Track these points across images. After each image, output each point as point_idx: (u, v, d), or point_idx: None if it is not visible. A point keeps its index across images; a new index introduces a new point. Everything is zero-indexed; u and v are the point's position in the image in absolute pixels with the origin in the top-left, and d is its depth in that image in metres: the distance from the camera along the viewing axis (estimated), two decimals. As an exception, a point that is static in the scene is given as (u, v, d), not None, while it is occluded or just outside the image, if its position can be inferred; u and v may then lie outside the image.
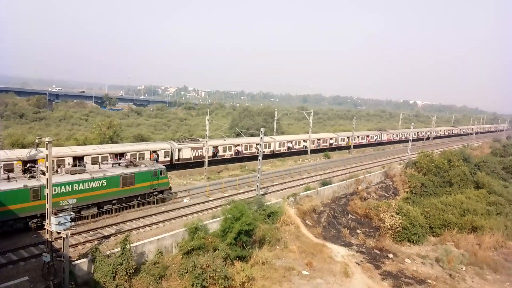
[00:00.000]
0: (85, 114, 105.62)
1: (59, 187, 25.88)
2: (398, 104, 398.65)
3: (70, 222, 19.52)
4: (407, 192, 50.99)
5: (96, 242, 24.51)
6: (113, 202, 30.20)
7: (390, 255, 31.70)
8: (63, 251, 19.29)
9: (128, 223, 28.91)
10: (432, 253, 33.17)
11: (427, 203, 43.31)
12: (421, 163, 56.34)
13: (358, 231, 37.26)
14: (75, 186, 27.14)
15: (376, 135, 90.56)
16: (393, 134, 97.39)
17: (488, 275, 29.96)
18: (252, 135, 62.18)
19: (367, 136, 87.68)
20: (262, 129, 36.55)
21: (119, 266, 20.52)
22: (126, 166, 32.22)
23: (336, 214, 39.27)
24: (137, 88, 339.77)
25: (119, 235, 25.74)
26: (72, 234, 24.43)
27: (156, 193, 33.80)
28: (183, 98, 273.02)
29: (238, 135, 63.60)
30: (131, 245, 22.05)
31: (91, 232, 26.27)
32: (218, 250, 23.63)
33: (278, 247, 28.88)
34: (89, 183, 28.00)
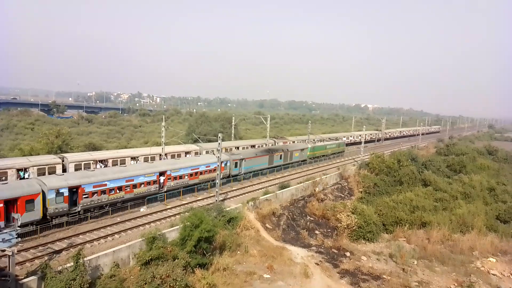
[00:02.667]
0: (30, 123, 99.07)
1: None
2: (351, 108, 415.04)
3: (16, 238, 18.21)
4: (361, 192, 53.10)
5: (46, 258, 23.04)
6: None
7: (347, 254, 32.73)
8: (9, 269, 17.94)
9: (81, 236, 27.49)
10: (386, 250, 34.68)
11: (380, 202, 45.34)
12: (373, 164, 58.99)
13: (317, 232, 38.12)
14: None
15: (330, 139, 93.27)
16: (350, 137, 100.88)
17: (436, 267, 31.82)
18: (210, 141, 61.74)
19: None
20: (220, 135, 36.43)
21: (72, 282, 19.41)
22: None
23: (295, 217, 39.92)
24: (88, 95, 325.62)
25: (71, 249, 24.41)
26: (19, 251, 22.81)
27: None
28: (137, 104, 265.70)
29: (195, 141, 62.83)
30: (85, 259, 20.98)
31: (40, 248, 24.66)
32: (178, 259, 23.09)
33: (239, 252, 28.80)
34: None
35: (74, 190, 29.06)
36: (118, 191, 32.47)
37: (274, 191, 42.48)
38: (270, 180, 51.48)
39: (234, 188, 45.46)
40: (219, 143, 35.81)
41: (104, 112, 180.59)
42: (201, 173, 42.17)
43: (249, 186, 47.24)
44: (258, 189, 45.33)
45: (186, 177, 40.25)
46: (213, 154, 48.85)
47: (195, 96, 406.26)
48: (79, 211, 29.55)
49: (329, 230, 38.79)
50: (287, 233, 36.29)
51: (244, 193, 43.36)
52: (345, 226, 37.42)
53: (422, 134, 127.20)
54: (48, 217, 27.32)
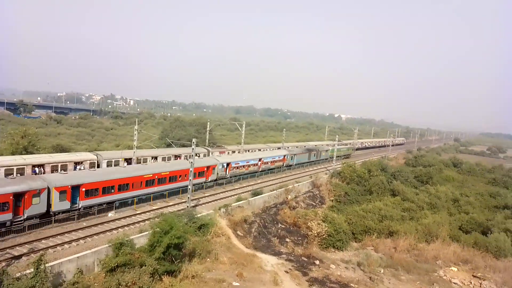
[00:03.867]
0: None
1: None
2: (325, 117, 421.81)
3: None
4: (332, 200, 53.93)
5: (3, 263, 21.97)
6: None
7: (317, 262, 33.04)
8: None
9: (43, 241, 26.44)
10: (355, 258, 35.27)
11: (350, 211, 46.19)
12: (345, 173, 60.12)
13: (288, 239, 38.30)
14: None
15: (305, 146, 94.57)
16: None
17: (402, 276, 32.64)
18: (183, 146, 61.05)
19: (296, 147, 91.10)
20: (194, 140, 36.14)
21: (31, 289, 18.57)
22: None
23: (266, 224, 39.99)
24: (58, 95, 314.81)
25: (32, 255, 23.39)
26: (-26, 257, 21.67)
27: None
28: (110, 106, 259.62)
29: (168, 145, 61.99)
30: (46, 265, 20.12)
31: (-2, 253, 23.52)
32: (145, 265, 22.57)
33: (208, 259, 28.49)
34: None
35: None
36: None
37: (247, 198, 42.47)
38: (244, 186, 51.44)
39: (206, 194, 45.11)
40: (193, 148, 35.48)
41: (75, 113, 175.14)
42: (275, 161, 64.84)
43: (221, 192, 47.02)
44: (231, 196, 45.18)
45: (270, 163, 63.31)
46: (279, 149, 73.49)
47: (170, 100, 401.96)
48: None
49: (300, 238, 39.07)
50: (258, 240, 36.26)
51: (216, 200, 43.09)
52: (316, 234, 37.84)
53: (388, 145, 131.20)
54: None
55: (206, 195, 44.89)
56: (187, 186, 37.72)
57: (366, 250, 37.44)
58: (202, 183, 46.96)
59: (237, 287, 25.15)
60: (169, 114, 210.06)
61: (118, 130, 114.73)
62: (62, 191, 29.91)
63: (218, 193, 46.32)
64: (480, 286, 31.76)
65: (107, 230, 29.92)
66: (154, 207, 37.59)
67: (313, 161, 79.45)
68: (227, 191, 48.05)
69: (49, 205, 29.09)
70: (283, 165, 67.02)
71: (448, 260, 36.78)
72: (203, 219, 32.31)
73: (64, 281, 21.46)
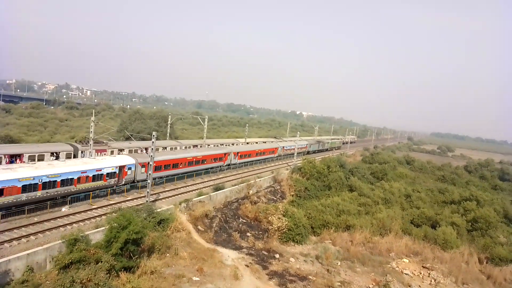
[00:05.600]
0: None
1: None
2: (287, 114, 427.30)
3: None
4: (292, 195, 54.82)
5: None
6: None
7: (277, 256, 33.54)
8: None
9: (-12, 237, 24.76)
10: (313, 251, 36.19)
11: (309, 205, 47.24)
12: (305, 168, 61.32)
13: (248, 234, 38.52)
14: None
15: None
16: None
17: (358, 268, 33.95)
18: (143, 139, 59.45)
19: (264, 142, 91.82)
20: (154, 133, 35.22)
21: (-26, 289, 17.36)
22: None
23: (228, 219, 39.96)
24: (7, 82, 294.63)
25: (-25, 253, 21.85)
26: None
27: None
28: (64, 96, 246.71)
29: (127, 138, 60.11)
30: (-8, 263, 18.89)
31: None
32: (101, 262, 21.80)
33: (168, 254, 28.02)
34: None
35: None
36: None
37: (208, 193, 42.16)
38: (205, 181, 51.03)
39: (167, 189, 44.26)
40: (153, 142, 34.59)
41: (25, 102, 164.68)
42: (301, 148, 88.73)
43: (182, 187, 46.33)
44: (192, 190, 44.65)
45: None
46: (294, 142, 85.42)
47: (130, 91, 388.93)
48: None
49: (261, 232, 39.43)
50: (219, 235, 36.18)
51: (177, 194, 42.41)
52: (276, 229, 38.34)
53: (346, 143, 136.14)
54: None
55: (166, 189, 44.04)
56: (215, 167, 57.23)
57: (324, 243, 38.50)
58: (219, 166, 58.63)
59: (197, 282, 24.97)
60: (128, 106, 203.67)
61: (73, 121, 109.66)
62: (142, 165, 41.14)
63: (179, 188, 45.61)
64: (429, 276, 33.74)
65: (60, 226, 28.57)
66: (112, 202, 36.35)
67: (321, 150, 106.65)
68: (187, 185, 47.44)
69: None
70: (307, 151, 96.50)
71: (400, 252, 38.70)
72: (162, 214, 31.71)
73: (12, 280, 20.27)
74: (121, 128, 76.92)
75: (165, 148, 58.67)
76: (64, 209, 32.53)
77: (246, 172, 62.67)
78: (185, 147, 63.08)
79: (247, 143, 79.23)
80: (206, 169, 54.90)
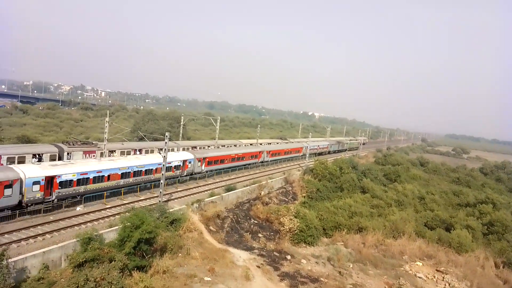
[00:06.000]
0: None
1: None
2: (298, 115, 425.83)
3: None
4: (304, 196, 54.60)
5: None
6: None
7: (288, 257, 33.47)
8: None
9: (6, 235, 25.35)
10: (325, 253, 35.99)
11: (321, 207, 46.99)
12: (317, 170, 61.03)
13: (260, 235, 38.54)
14: None
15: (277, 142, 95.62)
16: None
17: (370, 270, 33.64)
18: (156, 140, 60.03)
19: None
20: (167, 134, 35.56)
21: (-8, 286, 17.81)
22: None
23: (239, 219, 40.05)
24: (24, 84, 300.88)
25: (-6, 250, 22.36)
26: None
27: None
28: (79, 97, 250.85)
29: (141, 139, 60.82)
30: (9, 260, 19.32)
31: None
32: (115, 261, 22.10)
33: (180, 254, 28.25)
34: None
35: None
36: None
37: (220, 193, 42.35)
38: (217, 182, 51.25)
39: (179, 189, 44.63)
40: (165, 142, 34.92)
41: (42, 103, 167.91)
42: (323, 148, 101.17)
43: (194, 187, 46.64)
44: (204, 191, 44.92)
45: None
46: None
47: (143, 92, 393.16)
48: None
49: (272, 233, 39.40)
50: (230, 235, 36.29)
51: (189, 195, 42.73)
52: (288, 230, 38.24)
53: (363, 143, 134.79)
54: None
55: (178, 189, 44.40)
56: (251, 163, 65.61)
57: (336, 245, 38.26)
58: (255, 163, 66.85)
59: (208, 282, 25.09)
60: (141, 107, 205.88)
61: (87, 122, 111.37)
62: (199, 160, 49.78)
63: (191, 188, 45.94)
64: (443, 280, 33.20)
65: (75, 225, 29.10)
66: (125, 202, 36.84)
67: (340, 150, 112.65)
68: (199, 186, 47.74)
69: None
70: (328, 151, 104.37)
71: (414, 255, 38.20)
72: (175, 214, 31.96)
73: (29, 277, 20.71)
74: (134, 128, 77.86)
75: (202, 147, 64.81)
76: (79, 208, 33.10)
77: (257, 173, 62.67)
78: (218, 146, 67.89)
79: (260, 143, 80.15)
80: (245, 165, 63.31)
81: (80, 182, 33.48)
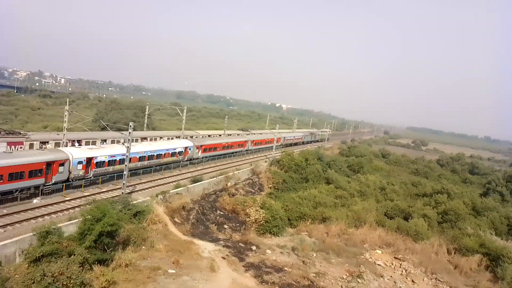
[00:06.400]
0: None
1: None
2: (266, 106, 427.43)
3: None
4: (270, 187, 55.25)
5: None
6: None
7: (254, 248, 33.80)
8: None
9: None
10: (290, 243, 36.63)
11: (287, 198, 47.68)
12: (284, 161, 61.78)
13: (226, 226, 38.62)
14: None
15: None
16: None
17: (332, 259, 34.64)
18: (120, 130, 58.26)
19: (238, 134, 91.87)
20: (131, 124, 34.56)
21: None
22: None
23: (205, 211, 39.90)
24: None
25: None
26: None
27: None
28: (37, 84, 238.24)
29: (103, 128, 58.80)
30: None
31: None
32: (74, 255, 21.38)
33: (144, 247, 27.76)
34: None
35: None
36: None
37: (186, 185, 41.89)
38: (183, 173, 50.64)
39: (143, 181, 43.72)
40: (129, 132, 33.98)
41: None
42: (297, 139, 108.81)
43: (159, 179, 45.86)
44: (169, 182, 44.27)
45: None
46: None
47: (106, 80, 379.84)
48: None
49: (238, 225, 39.59)
50: (196, 227, 36.10)
51: (154, 186, 41.98)
52: (253, 221, 38.55)
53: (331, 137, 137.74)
54: None
55: (142, 181, 43.50)
56: (238, 151, 72.07)
57: (300, 235, 39.03)
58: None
59: (173, 274, 24.89)
60: (104, 95, 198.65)
61: (46, 110, 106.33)
62: (197, 147, 56.62)
63: (156, 180, 45.13)
64: (400, 267, 34.82)
65: (31, 218, 27.85)
66: (86, 194, 35.62)
67: (313, 141, 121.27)
68: (165, 177, 46.99)
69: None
70: (302, 142, 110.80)
71: (374, 243, 39.69)
72: (139, 206, 31.30)
73: (-22, 274, 19.60)
74: (96, 118, 75.07)
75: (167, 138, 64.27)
76: (36, 201, 31.69)
77: (224, 164, 62.54)
78: (202, 136, 70.81)
79: (220, 135, 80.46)
80: (233, 152, 69.74)
81: (110, 163, 40.06)
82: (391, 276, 32.83)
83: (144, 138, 60.36)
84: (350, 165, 75.23)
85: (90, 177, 38.10)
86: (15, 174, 29.82)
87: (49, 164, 33.12)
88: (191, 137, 65.25)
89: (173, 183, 43.51)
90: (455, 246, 40.61)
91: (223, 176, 48.66)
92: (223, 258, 29.69)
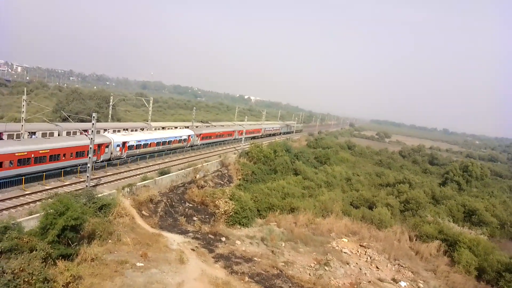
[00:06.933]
0: None
1: None
2: (235, 98, 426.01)
3: None
4: (240, 179, 55.31)
5: None
6: None
7: (223, 239, 33.84)
8: None
9: None
10: (259, 234, 36.99)
11: (256, 189, 48.01)
12: (252, 153, 62.02)
13: (195, 218, 38.35)
14: None
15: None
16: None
17: (300, 248, 35.37)
18: (82, 121, 56.11)
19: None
20: (94, 115, 33.31)
21: None
22: None
23: (173, 203, 39.38)
24: None
25: None
26: None
27: None
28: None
29: (64, 120, 56.35)
30: None
31: None
32: (36, 250, 20.45)
33: (110, 241, 27.03)
34: None
35: None
36: None
37: (153, 177, 41.09)
38: (150, 165, 49.61)
39: (108, 173, 42.42)
40: (92, 124, 32.75)
41: None
42: (274, 130, 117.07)
43: (125, 171, 44.68)
44: (135, 175, 43.24)
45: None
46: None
47: (67, 69, 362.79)
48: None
49: (207, 216, 39.42)
50: (164, 220, 35.60)
51: (120, 179, 40.84)
52: (223, 212, 38.52)
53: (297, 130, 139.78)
54: None
55: (108, 173, 42.21)
56: (228, 140, 79.62)
57: (269, 225, 39.47)
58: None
59: (141, 267, 24.46)
60: (65, 85, 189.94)
61: (1, 99, 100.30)
62: (197, 136, 65.25)
63: (122, 172, 43.93)
64: (365, 254, 36.14)
65: (-13, 213, 26.28)
66: (47, 187, 34.10)
67: (288, 132, 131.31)
68: (131, 170, 45.83)
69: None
70: (279, 133, 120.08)
71: (340, 232, 40.89)
72: (104, 199, 30.34)
73: None
74: (57, 108, 71.84)
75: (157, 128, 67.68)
76: (-8, 195, 29.94)
77: (193, 156, 61.87)
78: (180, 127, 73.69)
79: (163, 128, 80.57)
80: (223, 141, 77.48)
81: (137, 146, 48.93)
82: (356, 263, 34.01)
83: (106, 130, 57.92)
84: (317, 156, 76.73)
85: (124, 157, 46.76)
86: (79, 152, 38.48)
87: (99, 146, 41.57)
88: (162, 128, 68.60)
89: (140, 175, 42.57)
90: (416, 233, 42.64)
91: (191, 168, 48.13)
92: (192, 250, 29.52)
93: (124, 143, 46.13)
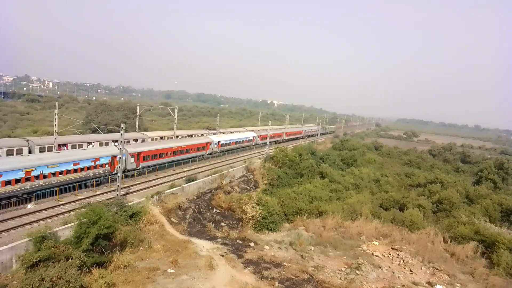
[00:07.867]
0: None
1: None
2: (257, 103, 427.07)
3: None
4: (265, 184, 55.19)
5: None
6: None
7: (252, 244, 33.79)
8: None
9: None
10: (287, 238, 36.68)
11: (282, 193, 47.71)
12: (277, 157, 61.84)
13: (223, 224, 38.55)
14: None
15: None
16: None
17: (330, 252, 34.81)
18: (111, 132, 57.78)
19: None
20: (122, 125, 34.28)
21: None
22: None
23: (201, 210, 39.77)
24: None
25: None
26: None
27: None
28: (25, 88, 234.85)
29: (94, 131, 58.21)
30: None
31: None
32: (72, 258, 21.14)
33: (141, 248, 27.62)
34: None
35: None
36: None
37: (181, 184, 41.70)
38: (177, 173, 50.42)
39: (137, 182, 43.40)
40: (121, 134, 33.69)
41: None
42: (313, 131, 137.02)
43: (153, 179, 45.58)
44: (163, 183, 44.04)
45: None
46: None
47: (95, 82, 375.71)
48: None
49: (235, 222, 39.54)
50: (193, 226, 35.99)
51: (148, 187, 41.71)
52: (250, 217, 38.51)
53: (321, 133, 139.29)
54: None
55: (137, 182, 43.19)
56: (247, 146, 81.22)
57: (297, 230, 39.07)
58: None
59: (171, 274, 24.79)
60: (93, 98, 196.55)
61: (34, 114, 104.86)
62: (216, 143, 65.99)
63: (150, 181, 44.86)
64: (398, 257, 35.11)
65: (26, 224, 27.48)
66: (80, 197, 35.26)
67: (324, 133, 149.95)
68: (159, 178, 46.74)
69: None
70: (317, 134, 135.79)
71: (370, 235, 39.97)
72: (134, 208, 31.09)
73: (-25, 282, 19.34)
74: (86, 120, 74.35)
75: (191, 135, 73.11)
76: (30, 206, 31.27)
77: (218, 162, 62.35)
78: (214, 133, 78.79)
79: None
80: (244, 147, 79.39)
81: (227, 144, 61.42)
82: (389, 267, 33.09)
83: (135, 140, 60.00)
84: (343, 158, 75.53)
85: (218, 152, 61.64)
86: (198, 147, 53.03)
87: (207, 143, 55.64)
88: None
89: (168, 183, 43.31)
90: (451, 235, 41.04)
91: (217, 174, 48.52)
92: (221, 255, 29.64)
93: (219, 141, 64.81)
